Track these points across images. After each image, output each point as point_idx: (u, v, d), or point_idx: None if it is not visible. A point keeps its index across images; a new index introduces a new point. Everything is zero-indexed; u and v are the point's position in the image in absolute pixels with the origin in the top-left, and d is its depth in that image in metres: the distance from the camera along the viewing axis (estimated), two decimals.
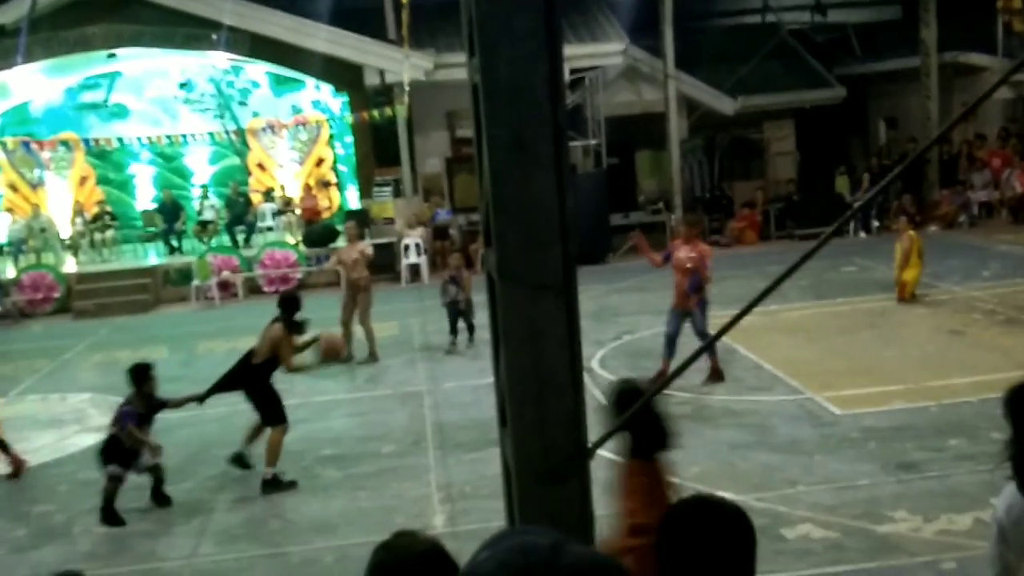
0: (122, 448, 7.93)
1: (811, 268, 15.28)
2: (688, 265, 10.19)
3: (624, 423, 3.60)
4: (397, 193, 20.60)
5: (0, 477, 9.26)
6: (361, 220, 20.94)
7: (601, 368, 11.07)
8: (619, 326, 13.64)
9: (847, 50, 25.01)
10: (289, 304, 8.78)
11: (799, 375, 10.46)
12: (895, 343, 11.71)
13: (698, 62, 22.31)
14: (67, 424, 11.06)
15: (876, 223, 20.13)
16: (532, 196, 2.58)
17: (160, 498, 8.14)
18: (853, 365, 10.77)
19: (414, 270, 19.27)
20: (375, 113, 20.03)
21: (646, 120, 22.18)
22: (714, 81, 22.31)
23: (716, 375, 10.44)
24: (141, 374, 8.13)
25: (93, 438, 10.33)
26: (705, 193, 22.96)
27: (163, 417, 10.46)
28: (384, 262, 19.69)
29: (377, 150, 21.15)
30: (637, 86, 22.67)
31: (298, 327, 8.74)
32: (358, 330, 12.93)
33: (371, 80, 19.86)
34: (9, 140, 21.34)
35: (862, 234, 20.23)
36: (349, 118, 21.16)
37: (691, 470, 7.92)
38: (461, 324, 12.89)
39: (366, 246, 13.79)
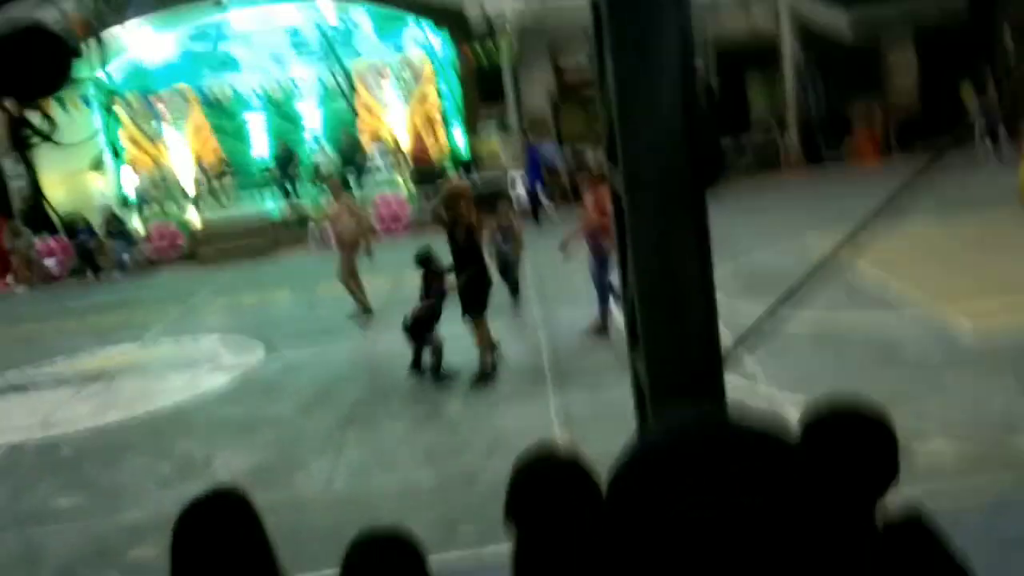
0: (430, 322, 9.32)
1: (937, 183, 14.65)
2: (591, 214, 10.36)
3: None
4: (503, 129, 20.56)
5: (135, 420, 9.75)
6: (467, 165, 21.05)
7: (720, 293, 10.88)
8: (735, 250, 13.38)
9: None
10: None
11: (927, 293, 10.11)
12: None
13: None
14: (200, 364, 11.54)
15: (1006, 134, 19.13)
16: (658, 104, 2.52)
17: (439, 375, 9.44)
18: (983, 283, 10.35)
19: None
20: (478, 49, 19.94)
21: (757, 39, 21.46)
22: None
23: (601, 329, 10.30)
24: (427, 259, 9.75)
25: (225, 377, 10.81)
26: (820, 112, 22.18)
27: (289, 359, 10.86)
28: (491, 198, 19.72)
29: (481, 87, 21.08)
30: (747, 4, 21.89)
31: None
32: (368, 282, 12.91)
33: (473, 13, 19.73)
34: (128, 95, 22.07)
35: (990, 145, 19.29)
36: (452, 56, 21.13)
37: (816, 389, 7.77)
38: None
39: (352, 202, 13.42)
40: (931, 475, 6.04)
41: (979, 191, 15.13)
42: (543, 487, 2.14)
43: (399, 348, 10.93)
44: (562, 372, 9.36)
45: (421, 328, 9.55)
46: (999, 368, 7.81)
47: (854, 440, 2.08)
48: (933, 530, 2.02)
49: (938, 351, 8.44)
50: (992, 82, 20.63)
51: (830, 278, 10.73)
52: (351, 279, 12.67)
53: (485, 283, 9.55)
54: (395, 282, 15.00)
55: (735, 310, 10.23)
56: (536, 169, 19.32)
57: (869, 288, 10.69)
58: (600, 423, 7.72)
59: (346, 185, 21.25)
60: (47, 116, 2.49)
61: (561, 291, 12.61)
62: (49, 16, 3.35)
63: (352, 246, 12.60)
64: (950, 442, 6.49)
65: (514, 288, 12.17)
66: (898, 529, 2.03)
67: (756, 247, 13.22)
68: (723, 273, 11.59)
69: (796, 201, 16.77)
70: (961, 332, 8.84)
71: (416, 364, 9.63)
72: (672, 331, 2.61)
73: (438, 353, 9.54)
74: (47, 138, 2.44)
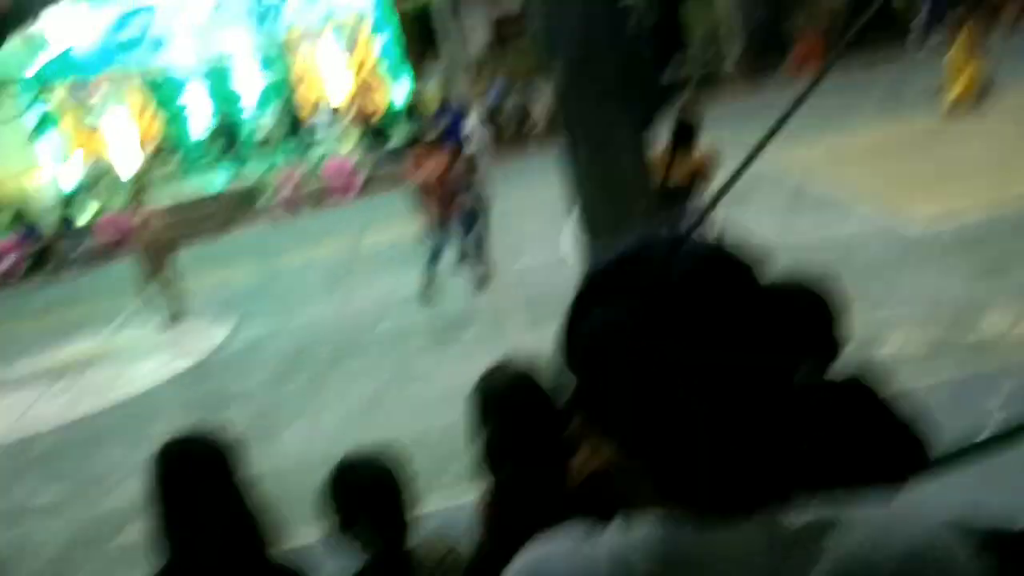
0: None
1: (874, 88, 14.77)
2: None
3: None
4: (446, 77, 20.40)
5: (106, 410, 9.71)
6: (410, 116, 20.84)
7: None
8: None
9: None
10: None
11: (872, 200, 10.25)
12: (971, 154, 11.34)
13: None
14: (166, 348, 11.54)
15: (938, 38, 19.26)
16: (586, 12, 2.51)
17: None
18: (929, 181, 10.50)
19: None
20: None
21: None
22: None
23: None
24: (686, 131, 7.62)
25: (193, 358, 10.81)
26: (760, 26, 22.14)
27: (256, 332, 10.84)
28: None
29: (418, 36, 20.85)
30: None
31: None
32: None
33: None
34: (59, 86, 21.61)
35: (923, 48, 19.46)
36: (388, 9, 20.86)
37: None
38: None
39: (152, 211, 13.28)
40: (898, 367, 6.19)
41: (918, 94, 15.23)
42: (502, 391, 2.24)
43: (369, 307, 11.00)
44: (537, 314, 9.42)
45: None
46: (952, 262, 7.97)
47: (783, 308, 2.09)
48: (872, 388, 1.98)
49: (889, 253, 8.58)
50: None
51: (772, 189, 10.79)
52: (164, 285, 12.61)
53: None
54: (351, 247, 15.00)
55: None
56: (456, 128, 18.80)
57: (815, 207, 10.79)
58: None
59: (295, 151, 21.07)
60: None
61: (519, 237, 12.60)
62: None
63: (159, 252, 12.57)
64: (908, 343, 6.65)
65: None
66: (837, 388, 2.00)
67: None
68: None
69: (740, 118, 16.80)
70: (911, 232, 8.99)
71: None
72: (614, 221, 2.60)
73: None
74: None
